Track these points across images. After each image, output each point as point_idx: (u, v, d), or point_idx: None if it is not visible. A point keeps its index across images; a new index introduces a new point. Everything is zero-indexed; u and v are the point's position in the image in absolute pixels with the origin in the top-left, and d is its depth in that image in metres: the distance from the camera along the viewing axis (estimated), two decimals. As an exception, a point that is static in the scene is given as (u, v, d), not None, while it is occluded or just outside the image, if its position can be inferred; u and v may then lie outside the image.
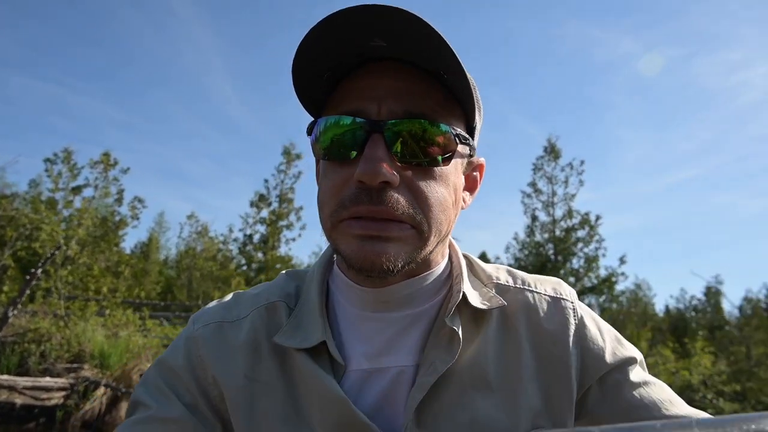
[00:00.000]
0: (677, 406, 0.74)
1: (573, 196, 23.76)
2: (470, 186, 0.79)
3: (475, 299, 0.74)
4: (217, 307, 0.79)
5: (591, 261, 22.81)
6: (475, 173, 0.80)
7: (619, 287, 24.41)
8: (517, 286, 0.79)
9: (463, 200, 0.77)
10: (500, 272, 0.83)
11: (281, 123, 56.37)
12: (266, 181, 20.82)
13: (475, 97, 0.69)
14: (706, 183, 53.96)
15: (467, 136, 0.70)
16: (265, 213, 20.59)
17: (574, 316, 0.78)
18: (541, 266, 23.18)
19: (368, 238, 0.64)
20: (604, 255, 23.04)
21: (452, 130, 0.67)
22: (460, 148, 0.70)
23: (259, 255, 20.11)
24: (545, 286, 0.81)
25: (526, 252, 25.09)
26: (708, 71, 57.15)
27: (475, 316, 0.74)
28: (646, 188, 52.86)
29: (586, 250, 22.99)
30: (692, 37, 61.56)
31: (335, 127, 0.66)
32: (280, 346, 0.72)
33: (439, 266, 0.76)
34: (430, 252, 0.70)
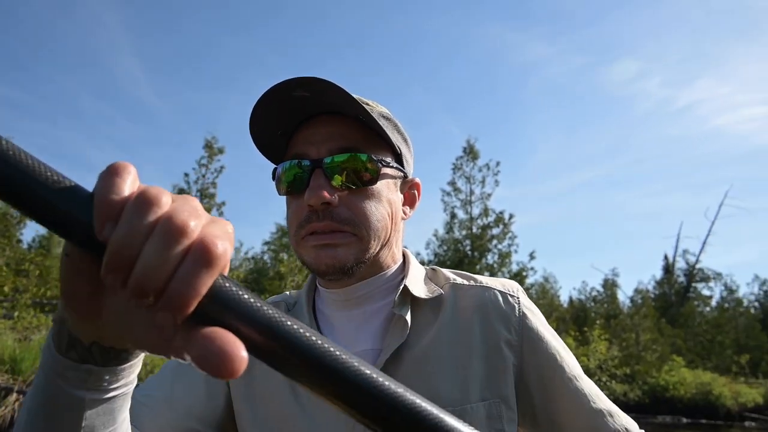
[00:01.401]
0: (601, 401, 0.89)
1: (489, 195, 25.16)
2: (409, 201, 0.95)
3: (419, 291, 0.88)
4: None
5: (504, 257, 24.32)
6: (413, 191, 0.96)
7: (529, 281, 26.10)
8: (471, 284, 0.93)
9: (404, 213, 0.93)
10: (461, 277, 0.96)
11: (197, 111, 54.25)
12: (186, 174, 20.09)
13: (394, 131, 0.87)
14: (607, 183, 58.80)
15: (389, 160, 0.86)
16: (184, 208, 19.90)
17: (518, 308, 0.90)
18: (459, 262, 24.36)
19: (321, 247, 0.80)
20: (516, 251, 24.69)
21: (375, 158, 0.83)
22: (388, 170, 0.86)
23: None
24: (496, 284, 0.94)
25: (445, 248, 26.29)
26: (612, 79, 62.21)
27: (432, 307, 0.89)
28: (555, 187, 56.72)
29: (500, 246, 24.46)
30: (600, 47, 66.56)
31: (288, 169, 0.83)
32: None
33: (391, 269, 0.90)
34: (376, 254, 0.85)
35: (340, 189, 0.80)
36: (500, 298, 0.90)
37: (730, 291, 34.03)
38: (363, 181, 0.82)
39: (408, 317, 0.84)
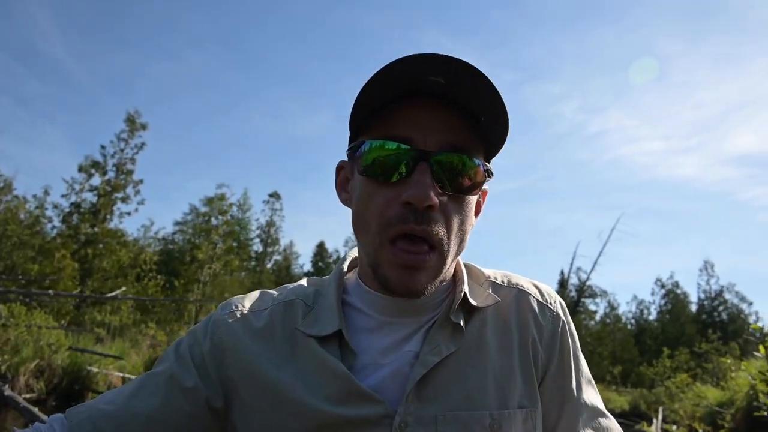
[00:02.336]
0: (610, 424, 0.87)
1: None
2: (477, 209, 0.85)
3: (474, 298, 0.81)
4: (243, 299, 0.87)
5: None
6: (480, 198, 0.86)
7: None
8: (511, 285, 0.87)
9: (473, 223, 0.83)
10: (497, 274, 0.90)
11: (113, 75, 50.93)
12: (103, 147, 19.14)
13: (505, 139, 0.77)
14: (518, 197, 62.45)
15: (492, 171, 0.78)
16: (96, 181, 18.96)
17: (553, 319, 0.85)
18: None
19: (408, 268, 0.71)
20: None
21: (483, 165, 0.75)
22: (485, 180, 0.77)
23: (88, 227, 18.44)
24: (533, 289, 0.88)
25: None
26: (534, 99, 65.89)
27: (475, 311, 0.82)
28: (470, 197, 59.06)
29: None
30: (529, 66, 70.36)
31: (382, 149, 0.71)
32: (293, 335, 0.80)
33: (446, 282, 0.83)
34: (449, 270, 0.80)
35: (441, 192, 0.72)
36: (537, 308, 0.85)
37: (612, 308, 37.90)
38: (463, 189, 0.74)
39: (462, 324, 0.79)
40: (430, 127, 0.72)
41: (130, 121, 19.66)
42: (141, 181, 19.69)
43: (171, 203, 52.03)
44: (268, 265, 35.67)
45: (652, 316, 42.33)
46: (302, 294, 0.87)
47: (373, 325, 0.80)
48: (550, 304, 0.87)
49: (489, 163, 0.79)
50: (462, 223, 0.75)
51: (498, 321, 0.83)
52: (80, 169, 18.92)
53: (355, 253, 0.92)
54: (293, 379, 0.76)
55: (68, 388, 9.51)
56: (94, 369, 9.88)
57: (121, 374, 10.42)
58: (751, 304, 39.63)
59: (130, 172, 19.44)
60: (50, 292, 11.12)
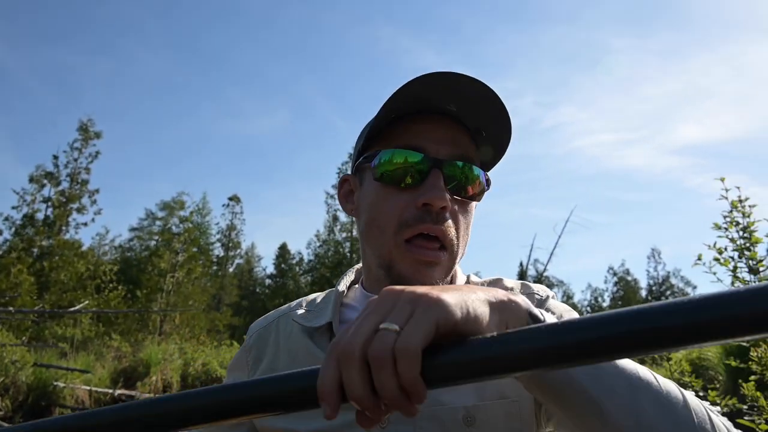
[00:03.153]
0: None
1: (370, 201, 26.47)
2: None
3: None
4: (261, 319, 0.98)
5: (380, 260, 25.83)
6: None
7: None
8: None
9: None
10: (487, 282, 0.92)
11: (59, 74, 49.10)
12: (55, 157, 18.72)
13: (503, 154, 0.85)
14: (475, 194, 63.46)
15: (491, 181, 0.85)
16: (49, 191, 18.50)
17: (538, 303, 0.85)
18: (338, 263, 25.56)
19: (424, 264, 0.76)
20: (391, 254, 26.19)
21: (485, 176, 0.82)
22: (486, 189, 0.84)
23: (43, 239, 17.97)
24: (522, 288, 0.89)
25: (326, 248, 27.30)
26: (490, 95, 67.20)
27: None
28: (430, 194, 59.99)
29: (377, 250, 25.99)
30: (485, 63, 72.42)
31: (399, 156, 0.77)
32: (291, 337, 0.87)
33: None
34: (454, 271, 0.85)
35: (452, 198, 0.78)
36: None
37: (568, 297, 39.53)
38: (472, 196, 0.81)
39: None
40: (441, 140, 0.79)
41: (84, 129, 19.31)
42: (97, 191, 19.43)
43: (125, 208, 50.51)
44: (231, 269, 35.40)
45: (606, 303, 44.41)
46: (307, 302, 0.95)
47: None
48: (533, 293, 0.87)
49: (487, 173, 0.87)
50: (467, 227, 0.82)
51: None
52: (31, 180, 18.46)
53: (357, 267, 0.98)
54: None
55: (34, 405, 9.49)
56: (61, 384, 9.88)
57: (88, 388, 10.44)
58: (695, 287, 42.21)
59: (86, 182, 19.10)
60: (11, 309, 10.98)
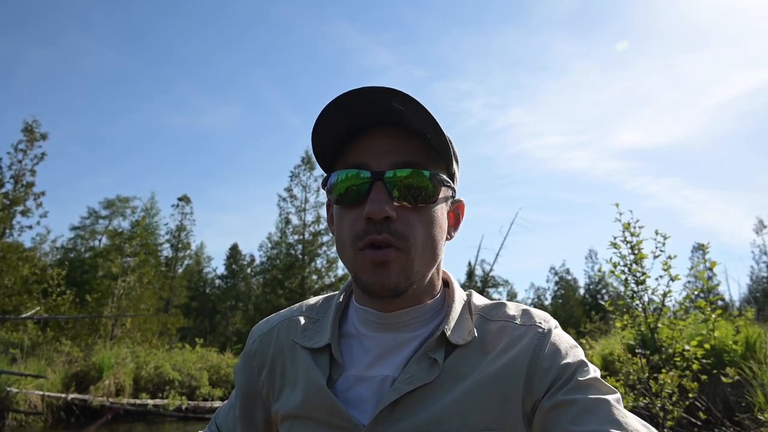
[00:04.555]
0: None
1: (323, 204, 27.15)
2: (454, 222, 0.92)
3: (455, 336, 0.84)
4: (262, 323, 1.01)
5: (332, 262, 26.50)
6: (457, 211, 0.94)
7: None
8: (499, 319, 0.88)
9: (449, 233, 0.91)
10: (488, 308, 0.91)
11: None
12: (-2, 158, 18.23)
13: (452, 152, 0.85)
14: (426, 195, 64.61)
15: (449, 180, 0.86)
16: (-10, 193, 18.01)
17: (539, 340, 0.83)
18: (290, 265, 25.92)
19: (378, 265, 0.78)
20: (342, 256, 26.80)
21: (435, 176, 0.82)
22: (443, 190, 0.84)
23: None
24: (524, 318, 0.87)
25: (277, 251, 27.58)
26: (443, 95, 68.71)
27: (456, 346, 0.84)
28: (381, 195, 60.73)
29: (329, 252, 26.65)
30: (436, 64, 73.56)
31: (347, 178, 0.81)
32: (295, 347, 0.92)
33: (433, 299, 0.89)
34: (424, 275, 0.83)
35: (399, 204, 0.80)
36: (523, 332, 0.85)
37: (512, 296, 41.37)
38: (422, 199, 0.81)
39: (441, 362, 0.82)
40: (383, 151, 0.81)
41: (29, 130, 18.90)
42: (43, 194, 19.00)
43: (64, 204, 48.54)
44: (180, 270, 35.00)
45: (548, 302, 46.74)
46: (309, 308, 0.98)
47: (362, 339, 0.87)
48: (536, 325, 0.86)
49: (450, 175, 0.87)
50: (428, 231, 0.82)
51: (477, 354, 0.84)
52: (-28, 181, 17.93)
53: None
54: (291, 395, 0.88)
55: (-14, 411, 9.57)
56: (14, 389, 10.00)
57: (41, 393, 10.59)
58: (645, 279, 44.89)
59: (31, 185, 18.69)
60: (-41, 316, 10.90)
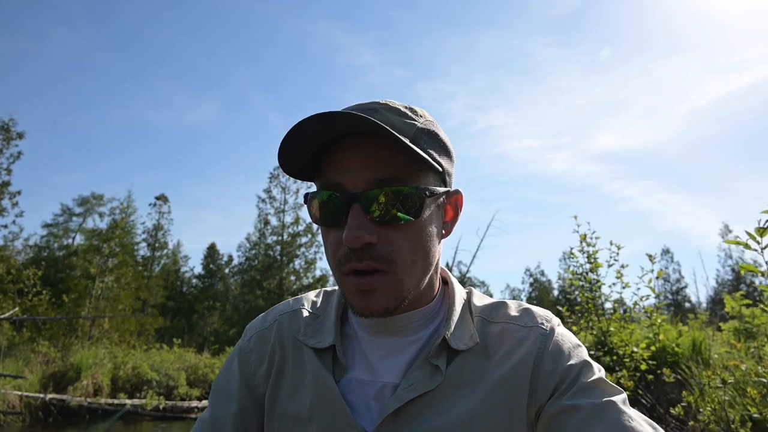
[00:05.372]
0: None
1: (301, 205, 27.39)
2: (450, 215, 0.87)
3: (456, 341, 0.82)
4: (258, 319, 0.97)
5: (310, 263, 26.78)
6: (454, 203, 0.87)
7: (331, 284, 29.02)
8: (500, 321, 0.85)
9: (445, 230, 0.86)
10: (488, 308, 0.89)
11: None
12: (-28, 157, 18.05)
13: (437, 146, 0.80)
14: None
15: (432, 186, 0.79)
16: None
17: (541, 342, 0.81)
18: (269, 266, 26.08)
19: (363, 293, 0.75)
20: (321, 258, 27.34)
21: (419, 188, 0.75)
22: (428, 200, 0.78)
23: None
24: (526, 318, 0.85)
25: (255, 251, 27.70)
26: (425, 95, 69.80)
27: (457, 352, 0.82)
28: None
29: (307, 253, 26.92)
30: (418, 65, 74.30)
31: (320, 200, 0.78)
32: (299, 344, 0.88)
33: (430, 303, 0.85)
34: (417, 286, 0.79)
35: (380, 224, 0.75)
36: (526, 334, 0.83)
37: (488, 297, 42.12)
38: (404, 215, 0.75)
39: (444, 368, 0.80)
40: (355, 168, 0.75)
41: (5, 129, 18.70)
42: (18, 193, 18.88)
43: (36, 200, 47.55)
44: (157, 269, 34.78)
45: (522, 302, 47.57)
46: (310, 303, 0.96)
47: (360, 342, 0.86)
48: (538, 325, 0.84)
49: (441, 173, 0.81)
50: (415, 246, 0.77)
51: (480, 359, 0.82)
52: (-56, 180, 17.72)
53: None
54: (289, 391, 0.86)
55: (-36, 411, 9.64)
56: (-8, 390, 10.06)
57: (19, 393, 10.67)
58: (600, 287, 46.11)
59: (7, 184, 18.54)
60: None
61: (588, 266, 6.26)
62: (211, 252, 40.04)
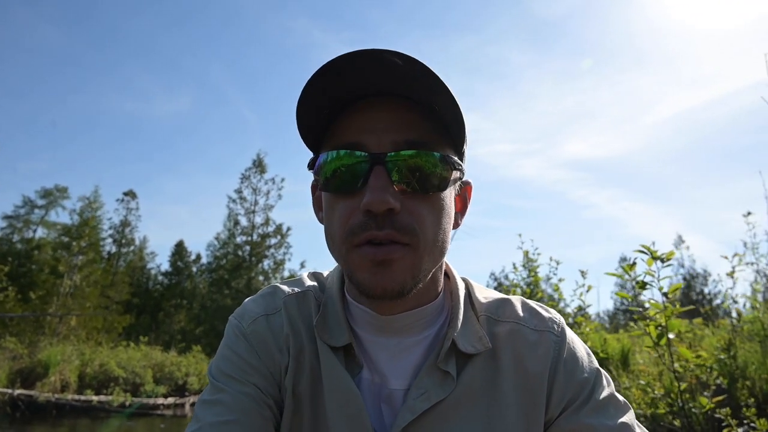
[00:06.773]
0: None
1: (272, 207, 27.88)
2: (460, 207, 0.83)
3: (465, 343, 0.78)
4: (258, 302, 0.86)
5: (279, 264, 27.29)
6: (464, 195, 0.84)
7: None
8: (506, 320, 0.82)
9: (457, 221, 0.81)
10: (494, 305, 0.85)
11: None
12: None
13: (464, 126, 0.73)
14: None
15: (459, 162, 0.74)
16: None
17: (556, 351, 0.79)
18: (238, 266, 26.40)
19: (378, 265, 0.68)
20: (289, 259, 27.82)
21: (446, 158, 0.71)
22: (453, 174, 0.73)
23: None
24: (536, 320, 0.82)
25: (225, 251, 27.92)
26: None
27: (468, 356, 0.78)
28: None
29: (276, 254, 27.37)
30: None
31: (338, 160, 0.69)
32: (312, 333, 0.81)
33: (434, 302, 0.80)
34: (430, 271, 0.74)
35: (404, 191, 0.69)
36: (537, 338, 0.81)
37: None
38: (430, 185, 0.70)
39: (454, 373, 0.76)
40: (382, 128, 0.69)
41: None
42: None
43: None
44: (122, 266, 34.49)
45: (486, 305, 48.73)
46: (311, 286, 0.88)
47: (366, 343, 0.80)
48: (549, 329, 0.81)
49: (460, 154, 0.76)
50: (437, 221, 0.72)
51: (492, 363, 0.79)
52: None
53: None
54: (309, 382, 0.79)
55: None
56: (-39, 385, 10.22)
57: (-13, 388, 10.84)
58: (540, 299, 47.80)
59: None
60: None
61: (530, 279, 7.02)
62: (179, 249, 39.79)
